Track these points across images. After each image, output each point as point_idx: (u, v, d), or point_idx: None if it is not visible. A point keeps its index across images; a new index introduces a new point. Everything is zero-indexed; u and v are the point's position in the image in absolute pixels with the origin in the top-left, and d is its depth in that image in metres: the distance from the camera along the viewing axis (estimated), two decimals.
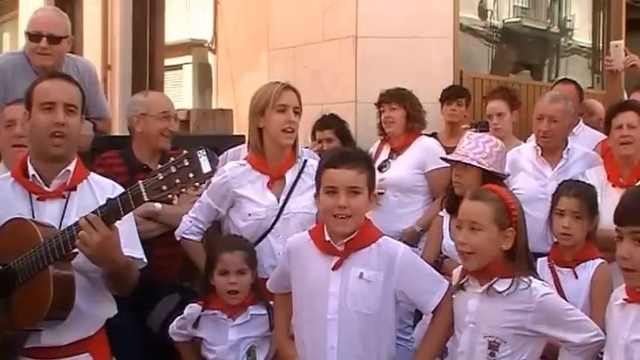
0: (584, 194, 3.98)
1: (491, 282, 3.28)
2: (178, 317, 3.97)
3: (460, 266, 3.57)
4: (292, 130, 4.11)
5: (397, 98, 5.73)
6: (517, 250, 3.31)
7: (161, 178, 2.91)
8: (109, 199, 3.05)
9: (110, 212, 3.02)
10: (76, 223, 3.08)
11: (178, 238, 4.32)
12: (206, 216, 4.28)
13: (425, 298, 3.44)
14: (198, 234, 4.29)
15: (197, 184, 2.93)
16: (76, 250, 3.09)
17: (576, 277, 3.82)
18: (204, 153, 2.92)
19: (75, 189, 3.40)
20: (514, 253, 3.31)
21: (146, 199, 2.96)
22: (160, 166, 2.97)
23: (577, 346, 3.21)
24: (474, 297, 3.35)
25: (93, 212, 3.05)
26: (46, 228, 3.20)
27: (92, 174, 3.54)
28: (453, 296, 3.44)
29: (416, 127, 5.72)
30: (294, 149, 4.23)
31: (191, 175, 2.89)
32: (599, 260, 3.86)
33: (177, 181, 2.90)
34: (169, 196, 2.94)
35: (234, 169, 4.25)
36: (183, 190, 2.92)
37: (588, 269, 3.84)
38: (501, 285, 3.26)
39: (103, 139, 5.37)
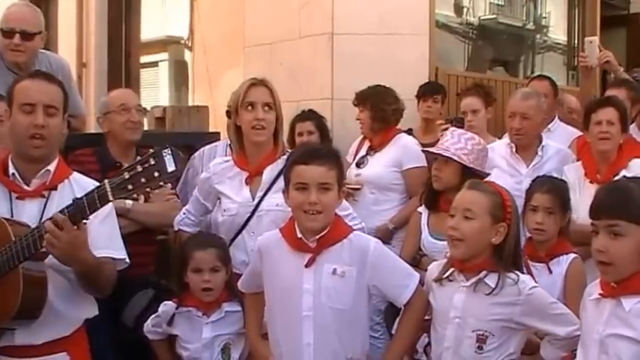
0: (556, 190, 4.02)
1: (481, 276, 3.29)
2: (153, 315, 3.96)
3: (439, 261, 3.60)
4: (262, 127, 4.10)
5: (361, 100, 5.77)
6: (505, 247, 3.32)
7: (127, 177, 2.91)
8: (75, 199, 3.04)
9: (76, 212, 3.01)
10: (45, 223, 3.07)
11: (176, 229, 4.41)
12: (196, 209, 4.38)
13: (398, 291, 3.45)
14: (191, 226, 4.39)
15: (162, 183, 2.91)
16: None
17: (550, 272, 3.86)
18: (170, 152, 2.91)
19: (55, 188, 3.38)
20: (501, 250, 3.32)
21: (111, 198, 2.96)
22: (126, 164, 2.98)
23: (562, 339, 3.25)
24: (459, 291, 3.35)
25: (60, 212, 3.03)
26: (19, 227, 3.18)
27: (75, 173, 3.51)
28: (435, 290, 3.45)
29: (376, 127, 5.69)
30: (276, 145, 4.20)
31: (156, 174, 2.88)
32: (573, 255, 3.91)
33: (143, 180, 2.89)
34: (135, 195, 2.94)
35: (218, 165, 4.31)
36: (149, 189, 2.92)
37: (562, 264, 3.88)
38: (490, 279, 3.27)
39: (77, 137, 5.32)
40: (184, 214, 4.41)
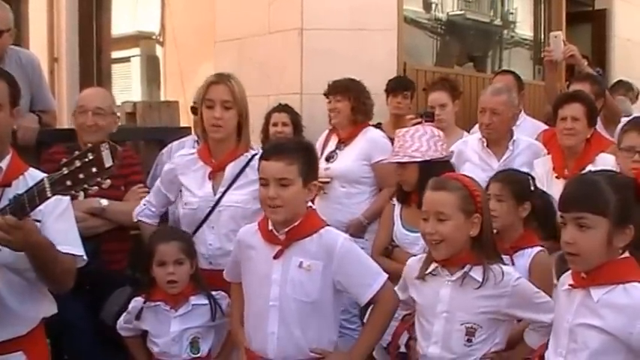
0: (507, 179, 4.06)
1: (467, 270, 3.32)
2: (124, 313, 3.99)
3: (418, 256, 3.62)
4: (219, 126, 4.12)
5: (342, 90, 5.77)
6: (483, 236, 3.36)
7: (66, 172, 2.88)
8: (16, 196, 3.00)
9: (17, 209, 2.97)
10: None
11: (135, 220, 4.39)
12: (158, 200, 4.38)
13: (360, 290, 3.48)
14: (152, 217, 4.40)
15: (99, 179, 2.89)
16: None
17: (513, 264, 3.83)
18: (107, 147, 2.89)
19: (10, 185, 3.30)
20: (480, 239, 3.36)
21: (49, 194, 2.93)
22: (64, 160, 2.93)
23: (547, 325, 3.25)
24: (445, 286, 3.38)
25: (1, 210, 2.99)
26: None
27: (30, 169, 3.44)
28: (418, 285, 3.48)
29: (360, 119, 5.76)
30: (239, 142, 4.23)
31: (94, 169, 2.86)
32: (537, 248, 3.94)
33: (81, 175, 2.86)
34: (73, 191, 2.91)
35: (183, 157, 4.34)
36: (86, 185, 2.89)
37: (525, 257, 3.91)
38: (476, 273, 3.31)
39: (49, 132, 5.34)
40: (144, 205, 4.41)
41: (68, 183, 2.88)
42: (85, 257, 3.43)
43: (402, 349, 3.89)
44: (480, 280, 3.29)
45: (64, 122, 7.17)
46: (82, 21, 10.07)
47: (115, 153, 2.88)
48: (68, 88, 9.89)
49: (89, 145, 4.33)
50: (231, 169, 4.17)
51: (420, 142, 4.46)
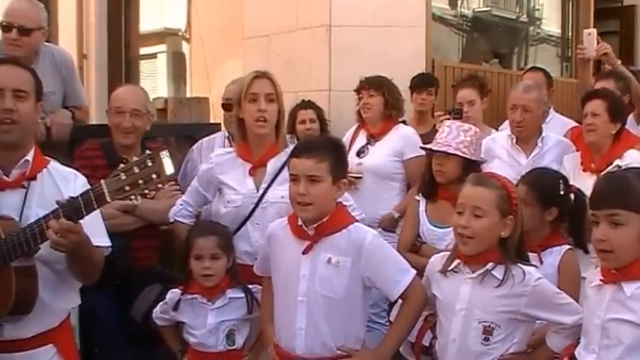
0: (533, 183, 3.98)
1: (489, 268, 3.30)
2: (161, 302, 4.02)
3: (442, 252, 3.63)
4: (264, 119, 4.13)
5: (375, 85, 5.76)
6: (511, 239, 3.33)
7: (124, 178, 2.91)
8: (71, 198, 3.02)
9: (72, 212, 3.00)
10: (38, 221, 3.06)
11: (171, 220, 4.40)
12: (195, 200, 4.38)
13: (389, 286, 3.48)
14: (188, 217, 4.38)
15: (160, 185, 2.92)
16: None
17: (541, 263, 3.83)
18: (167, 154, 2.91)
19: (35, 178, 3.34)
20: (509, 241, 3.33)
21: (109, 200, 2.95)
22: (122, 165, 2.95)
23: (569, 327, 3.25)
24: (465, 283, 3.37)
25: (54, 212, 3.02)
26: (5, 222, 3.17)
27: (52, 162, 3.48)
28: (440, 281, 3.47)
29: (393, 115, 5.76)
30: (278, 138, 4.24)
31: (154, 176, 2.89)
32: (566, 247, 3.91)
33: (141, 181, 2.89)
34: (132, 196, 2.93)
35: (221, 155, 4.34)
36: (146, 191, 2.91)
37: (554, 255, 3.88)
38: (498, 271, 3.29)
39: (82, 129, 5.40)
40: (181, 205, 4.40)
41: (127, 188, 2.91)
42: (110, 246, 3.46)
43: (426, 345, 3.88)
44: (501, 278, 3.28)
45: (93, 118, 7.19)
46: (110, 18, 10.16)
47: (175, 160, 2.92)
48: (97, 84, 9.98)
49: (124, 143, 4.57)
50: (272, 165, 4.17)
51: (465, 136, 4.44)
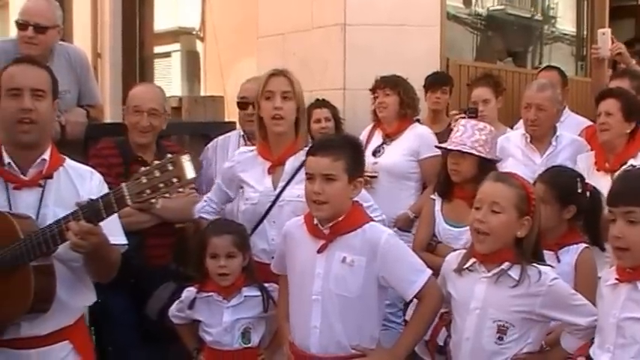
0: (552, 181, 3.97)
1: (504, 268, 3.29)
2: (177, 301, 4.02)
3: (457, 251, 3.62)
4: (280, 117, 4.12)
5: (391, 84, 5.77)
6: (527, 239, 3.33)
7: (145, 181, 2.91)
8: (91, 201, 3.03)
9: (92, 214, 3.01)
10: (58, 222, 3.08)
11: (196, 216, 4.43)
12: (218, 197, 4.42)
13: (404, 286, 3.48)
14: (212, 213, 4.42)
15: (180, 189, 2.93)
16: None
17: (558, 261, 3.83)
18: (189, 158, 2.91)
19: (51, 177, 3.37)
20: (524, 241, 3.33)
21: (129, 202, 2.97)
22: (143, 169, 2.95)
23: (584, 329, 3.24)
24: (480, 282, 3.36)
25: (73, 213, 3.03)
26: (23, 220, 3.19)
27: (67, 160, 3.50)
28: (455, 280, 3.47)
29: (409, 114, 5.76)
30: (298, 136, 4.23)
31: (175, 179, 2.89)
32: (583, 245, 3.90)
33: (161, 185, 2.89)
34: (153, 200, 2.93)
35: (242, 154, 4.36)
36: (167, 195, 2.92)
37: (571, 254, 3.87)
38: (514, 272, 3.28)
39: (97, 127, 5.42)
40: (205, 201, 4.44)
41: (147, 192, 2.92)
42: (126, 244, 3.49)
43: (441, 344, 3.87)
44: (517, 278, 3.27)
45: (107, 117, 7.22)
46: (125, 17, 10.20)
47: (197, 164, 2.92)
48: (111, 83, 10.02)
49: (141, 142, 4.58)
50: (291, 164, 4.16)
51: (480, 135, 4.45)
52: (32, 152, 3.36)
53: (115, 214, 3.29)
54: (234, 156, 4.41)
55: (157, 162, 2.94)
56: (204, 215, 4.42)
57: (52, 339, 3.35)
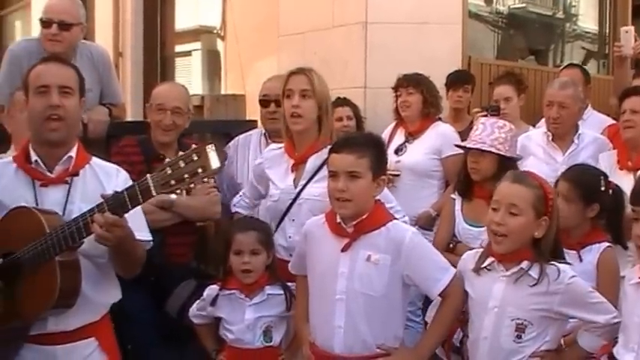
0: (576, 179, 3.97)
1: (524, 267, 3.28)
2: (198, 300, 4.03)
3: (474, 250, 3.61)
4: (298, 115, 4.14)
5: (414, 83, 5.76)
6: (545, 239, 3.32)
7: (169, 172, 2.92)
8: (116, 193, 3.05)
9: (117, 206, 3.03)
10: (83, 215, 3.09)
11: (233, 210, 4.51)
12: (251, 192, 4.50)
13: (429, 284, 3.48)
14: (246, 208, 4.53)
15: (205, 179, 2.94)
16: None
17: (580, 260, 3.83)
18: (213, 148, 2.91)
19: (77, 174, 3.40)
20: (542, 241, 3.32)
21: (154, 193, 2.98)
22: (168, 159, 2.98)
23: (601, 327, 3.24)
24: (499, 281, 3.35)
25: (99, 205, 3.05)
26: (50, 216, 3.21)
27: (94, 158, 3.53)
28: (473, 279, 3.46)
29: (432, 112, 5.75)
30: (320, 135, 4.22)
31: (200, 170, 2.89)
32: (605, 244, 3.89)
33: (186, 176, 2.90)
34: (178, 191, 2.95)
35: (271, 151, 4.41)
36: (192, 185, 2.93)
37: (593, 252, 3.86)
38: (533, 271, 3.27)
39: (119, 125, 5.45)
40: (240, 196, 4.55)
41: (172, 182, 2.93)
42: (151, 241, 3.51)
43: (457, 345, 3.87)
44: (537, 277, 3.25)
45: (129, 115, 7.24)
46: (146, 16, 10.23)
47: (221, 155, 2.92)
48: (132, 81, 10.04)
49: (163, 140, 4.58)
50: (312, 162, 4.17)
51: (499, 133, 4.43)
52: (59, 150, 3.39)
53: (140, 210, 3.38)
54: (264, 152, 4.47)
55: (181, 153, 2.95)
56: (238, 209, 4.54)
57: (78, 335, 3.37)
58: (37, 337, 3.31)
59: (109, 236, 3.06)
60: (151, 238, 3.51)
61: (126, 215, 3.15)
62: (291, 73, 4.25)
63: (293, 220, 4.14)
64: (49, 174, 3.38)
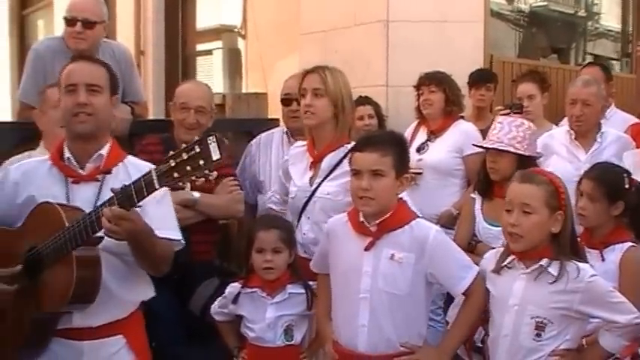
0: (600, 178, 3.93)
1: (544, 264, 3.27)
2: (220, 297, 4.03)
3: (495, 249, 3.60)
4: (310, 113, 4.16)
5: (436, 81, 5.73)
6: (563, 234, 3.31)
7: (173, 165, 2.92)
8: (124, 186, 3.06)
9: (124, 200, 3.04)
10: (96, 209, 3.11)
11: (266, 207, 4.53)
12: (280, 189, 4.50)
13: (453, 282, 3.47)
14: (277, 204, 4.53)
15: (207, 171, 2.91)
16: (100, 234, 3.12)
17: (603, 260, 3.81)
18: (214, 139, 2.89)
19: (109, 172, 3.41)
20: (560, 236, 3.31)
21: (157, 186, 2.98)
22: (172, 152, 2.96)
23: (622, 327, 3.23)
24: (519, 279, 3.35)
25: (109, 200, 3.07)
26: (72, 211, 3.23)
27: (129, 157, 3.56)
28: (494, 278, 3.44)
29: (454, 111, 5.72)
30: (337, 133, 4.21)
31: (201, 162, 2.87)
32: (628, 244, 3.85)
33: (188, 168, 2.89)
34: (181, 183, 2.95)
35: (295, 148, 4.43)
36: (194, 177, 2.92)
37: (616, 252, 3.82)
38: (553, 268, 3.26)
39: (141, 124, 5.46)
40: (272, 192, 4.59)
41: (175, 175, 2.92)
42: (182, 241, 3.51)
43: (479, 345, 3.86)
44: (556, 274, 3.24)
45: (151, 113, 7.27)
46: (167, 14, 10.27)
47: (222, 146, 2.89)
48: (154, 80, 10.09)
49: (186, 139, 4.45)
50: (328, 160, 4.18)
51: (517, 131, 4.42)
52: (89, 146, 3.44)
53: (171, 209, 3.51)
54: (291, 149, 4.50)
55: (184, 144, 2.94)
56: (271, 205, 4.55)
57: (104, 331, 3.38)
58: (64, 332, 3.33)
59: (118, 229, 3.06)
60: (181, 237, 3.51)
61: (155, 215, 3.20)
62: (306, 72, 4.26)
63: (308, 217, 4.16)
64: (80, 171, 3.43)
